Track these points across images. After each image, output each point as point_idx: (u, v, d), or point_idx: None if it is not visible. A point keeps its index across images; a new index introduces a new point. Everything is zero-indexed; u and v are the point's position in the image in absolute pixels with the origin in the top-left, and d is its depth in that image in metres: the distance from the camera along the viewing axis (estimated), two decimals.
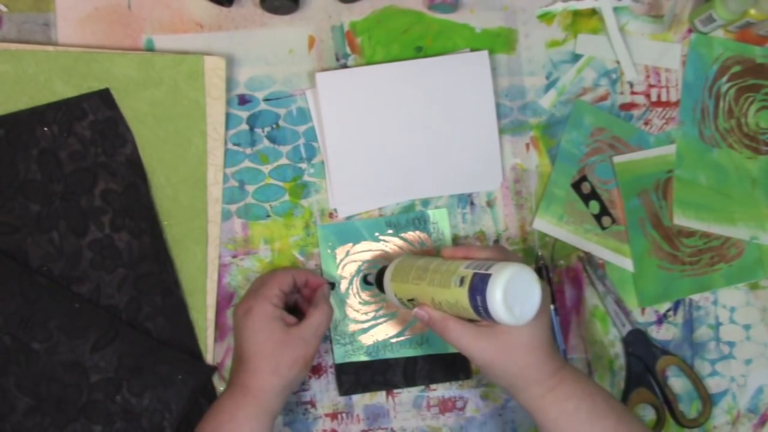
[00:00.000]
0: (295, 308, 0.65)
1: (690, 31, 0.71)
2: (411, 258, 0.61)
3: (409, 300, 0.59)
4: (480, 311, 0.51)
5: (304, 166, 0.68)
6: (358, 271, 0.68)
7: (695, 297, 0.71)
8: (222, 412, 0.57)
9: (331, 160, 0.67)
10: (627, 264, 0.70)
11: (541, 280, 0.53)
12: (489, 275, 0.51)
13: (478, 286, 0.51)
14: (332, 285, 0.66)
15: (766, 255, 0.71)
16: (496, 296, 0.50)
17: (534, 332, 0.55)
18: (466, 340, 0.55)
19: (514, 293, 0.50)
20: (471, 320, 0.55)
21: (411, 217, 0.68)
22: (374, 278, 0.67)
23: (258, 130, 0.68)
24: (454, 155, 0.68)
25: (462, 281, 0.52)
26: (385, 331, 0.68)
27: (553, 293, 0.68)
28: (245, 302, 0.61)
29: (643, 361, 0.69)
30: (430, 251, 0.68)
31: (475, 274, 0.52)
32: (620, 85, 0.70)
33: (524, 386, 0.56)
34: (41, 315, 0.61)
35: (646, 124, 0.71)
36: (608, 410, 0.56)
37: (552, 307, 0.66)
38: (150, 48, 0.67)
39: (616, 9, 0.70)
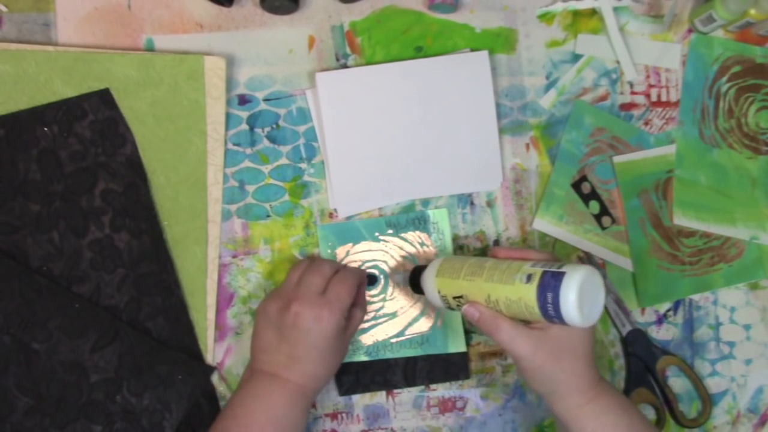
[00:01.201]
0: None
1: (690, 31, 0.71)
2: (459, 257, 0.62)
3: (455, 297, 0.59)
4: (548, 309, 0.51)
5: (304, 166, 0.68)
6: None
7: (695, 297, 0.71)
8: (277, 406, 0.57)
9: (331, 160, 0.67)
10: (627, 264, 0.70)
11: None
12: (563, 273, 0.51)
13: (549, 284, 0.51)
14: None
15: (766, 255, 0.71)
16: (570, 295, 0.50)
17: (584, 339, 0.55)
18: (518, 341, 0.54)
19: (585, 294, 0.51)
20: (523, 321, 0.55)
21: (411, 217, 0.68)
22: (408, 277, 0.66)
23: (258, 130, 0.68)
24: (454, 155, 0.68)
25: (530, 278, 0.52)
26: (385, 331, 0.68)
27: None
28: (316, 308, 0.58)
29: (643, 361, 0.69)
30: (430, 253, 0.68)
31: (545, 272, 0.52)
32: (620, 85, 0.70)
33: (565, 393, 0.56)
34: (41, 315, 0.61)
35: (646, 124, 0.71)
36: (643, 428, 0.56)
37: None
38: (150, 48, 0.67)
39: (616, 9, 0.70)
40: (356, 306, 0.63)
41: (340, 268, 0.63)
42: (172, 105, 0.66)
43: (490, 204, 0.69)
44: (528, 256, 0.57)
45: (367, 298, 0.68)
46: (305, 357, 0.58)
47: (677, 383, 0.70)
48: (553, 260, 0.56)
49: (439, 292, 0.61)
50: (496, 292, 0.55)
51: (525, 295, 0.53)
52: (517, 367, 0.56)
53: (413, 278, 0.65)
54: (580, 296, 0.50)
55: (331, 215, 0.68)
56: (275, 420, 0.57)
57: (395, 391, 0.69)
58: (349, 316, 0.61)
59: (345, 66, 0.68)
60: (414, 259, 0.68)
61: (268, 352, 0.60)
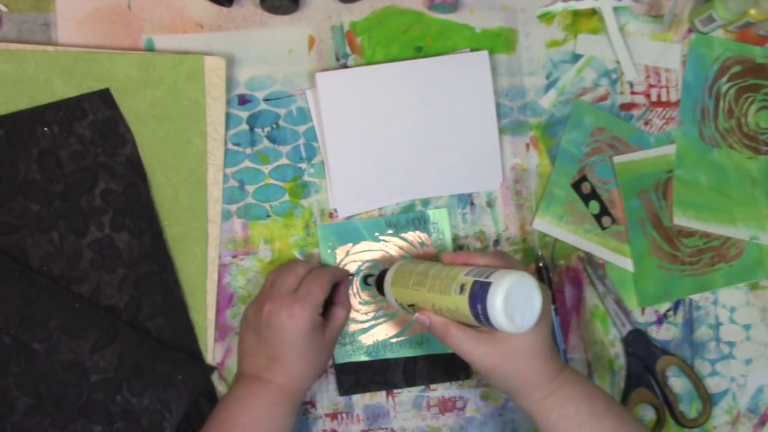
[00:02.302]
0: None
1: (690, 31, 0.71)
2: (411, 263, 0.61)
3: (410, 305, 0.59)
4: (480, 319, 0.51)
5: (304, 166, 0.68)
6: (358, 271, 0.68)
7: (695, 297, 0.71)
8: (258, 407, 0.58)
9: (331, 160, 0.67)
10: (627, 264, 0.70)
11: (542, 286, 0.53)
12: (489, 283, 0.50)
13: (478, 294, 0.51)
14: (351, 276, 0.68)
15: (766, 255, 0.71)
16: (496, 305, 0.49)
17: (534, 338, 0.55)
18: (467, 346, 0.55)
19: (515, 301, 0.50)
20: (472, 326, 0.55)
21: (411, 217, 0.68)
22: (374, 282, 0.67)
23: (258, 130, 0.68)
24: (454, 155, 0.68)
25: (462, 289, 0.52)
26: (385, 331, 0.68)
27: (553, 293, 0.68)
28: (286, 306, 0.58)
29: (643, 361, 0.69)
30: (429, 253, 0.68)
31: (475, 282, 0.52)
32: (620, 85, 0.70)
33: (525, 391, 0.56)
34: (41, 315, 0.61)
35: (646, 124, 0.71)
36: (608, 412, 0.56)
37: (552, 307, 0.66)
38: (150, 48, 0.67)
39: (616, 9, 0.70)
40: (338, 305, 0.63)
41: (314, 268, 0.63)
42: (172, 105, 0.66)
43: (490, 204, 0.69)
44: (470, 260, 0.57)
45: (367, 298, 0.68)
46: (284, 356, 0.58)
47: (677, 383, 0.70)
48: (494, 265, 0.55)
49: (396, 300, 0.61)
50: (438, 302, 0.55)
51: (460, 305, 0.53)
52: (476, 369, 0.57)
53: (379, 283, 0.65)
54: (506, 305, 0.49)
55: (331, 215, 0.68)
56: (257, 421, 0.57)
57: (395, 391, 0.69)
58: (330, 315, 0.62)
59: (345, 66, 0.68)
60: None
61: (251, 355, 0.60)
